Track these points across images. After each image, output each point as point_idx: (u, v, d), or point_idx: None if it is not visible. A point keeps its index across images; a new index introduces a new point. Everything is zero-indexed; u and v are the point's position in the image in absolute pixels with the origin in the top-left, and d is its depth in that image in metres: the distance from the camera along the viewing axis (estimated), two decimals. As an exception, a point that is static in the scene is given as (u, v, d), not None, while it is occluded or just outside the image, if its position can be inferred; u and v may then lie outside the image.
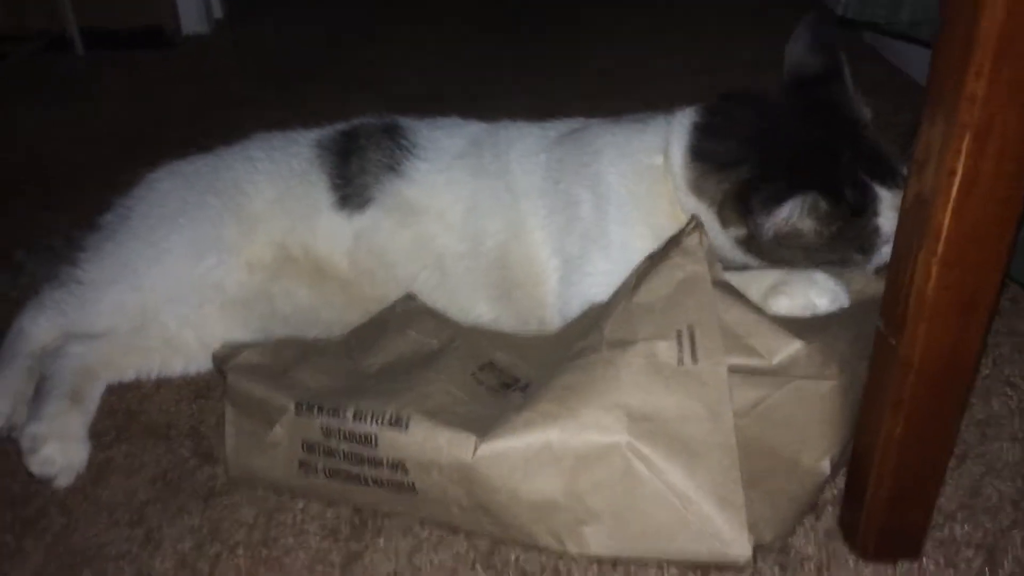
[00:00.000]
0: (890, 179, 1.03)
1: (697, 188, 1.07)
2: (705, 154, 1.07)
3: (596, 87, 2.18)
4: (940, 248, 0.77)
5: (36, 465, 1.07)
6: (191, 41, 2.69)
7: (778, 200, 0.98)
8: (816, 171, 1.01)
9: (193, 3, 2.70)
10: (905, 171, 1.02)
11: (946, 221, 0.75)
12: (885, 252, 1.04)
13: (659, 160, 1.11)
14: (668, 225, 1.06)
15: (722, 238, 1.07)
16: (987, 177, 0.73)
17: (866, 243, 1.04)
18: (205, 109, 2.18)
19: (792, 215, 1.00)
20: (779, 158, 1.02)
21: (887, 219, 1.02)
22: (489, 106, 1.31)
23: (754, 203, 0.99)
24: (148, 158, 1.34)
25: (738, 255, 1.08)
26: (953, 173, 0.73)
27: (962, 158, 0.72)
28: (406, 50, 2.58)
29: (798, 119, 1.06)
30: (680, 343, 0.91)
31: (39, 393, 1.15)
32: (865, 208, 1.02)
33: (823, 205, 1.00)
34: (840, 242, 1.03)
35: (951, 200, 0.74)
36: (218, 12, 2.83)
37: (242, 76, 2.44)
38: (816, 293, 1.00)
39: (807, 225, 1.02)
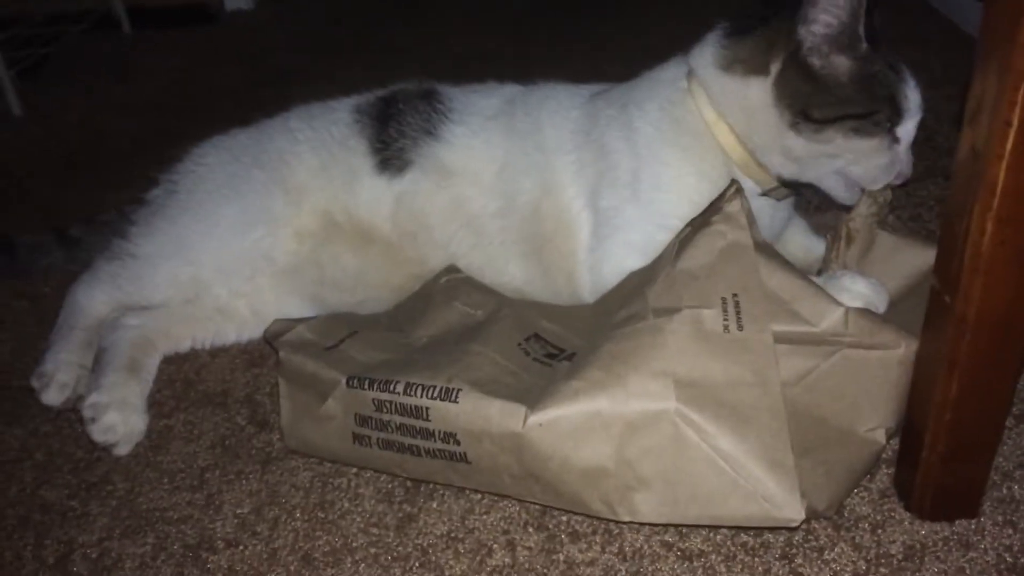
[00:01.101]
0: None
1: (732, 60, 1.08)
2: (740, 29, 1.09)
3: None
4: (995, 203, 0.75)
5: (98, 433, 1.10)
6: (235, 16, 2.71)
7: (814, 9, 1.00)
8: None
9: (235, -22, 2.72)
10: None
11: (1001, 175, 0.74)
12: (907, 131, 1.06)
13: (684, 83, 1.11)
14: (704, 156, 1.09)
15: (758, 108, 1.06)
16: (1044, 128, 0.71)
17: (895, 103, 1.04)
18: (251, 84, 2.20)
19: (827, 22, 1.00)
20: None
21: (913, 95, 1.05)
22: (537, 72, 1.30)
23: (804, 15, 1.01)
24: (197, 133, 1.36)
25: (774, 129, 1.06)
26: (1008, 124, 0.71)
27: (1017, 109, 0.70)
28: (453, 17, 2.57)
29: None
30: (725, 310, 0.90)
31: (98, 364, 1.18)
32: (899, 70, 1.05)
33: (859, 35, 1.01)
34: (871, 89, 1.03)
35: (1006, 153, 0.72)
36: (261, -14, 2.85)
37: (285, 50, 2.45)
38: (849, 298, 0.98)
39: (840, 61, 1.02)
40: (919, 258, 1.10)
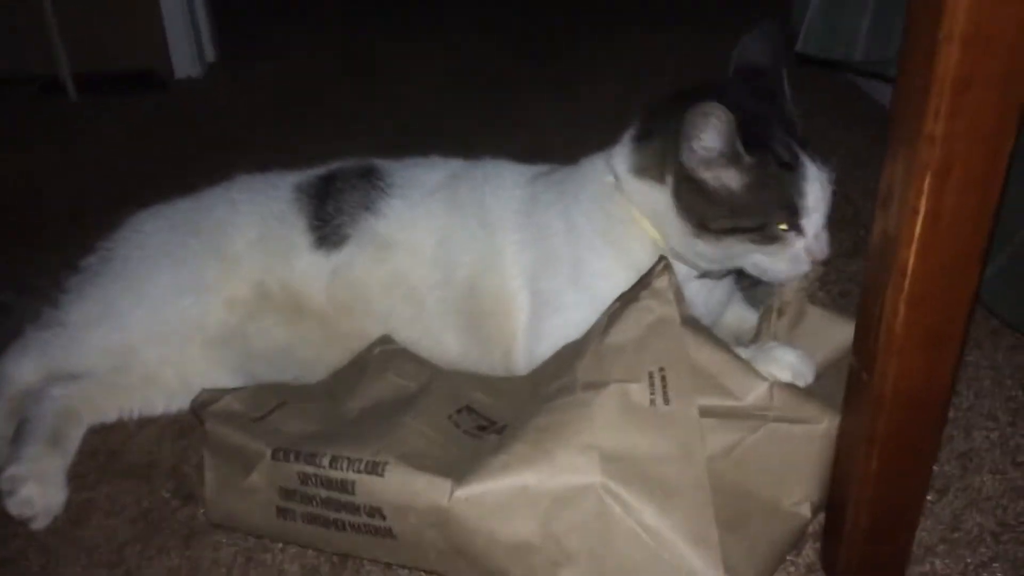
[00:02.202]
0: (820, 161, 1.05)
1: (639, 166, 1.10)
2: (645, 134, 1.11)
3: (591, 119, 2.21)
4: (907, 285, 0.78)
5: (14, 507, 1.07)
6: (184, 84, 2.72)
7: (694, 109, 0.99)
8: (742, 117, 1.01)
9: (186, 46, 2.73)
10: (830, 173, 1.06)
11: (911, 259, 0.76)
12: (794, 251, 1.06)
13: (610, 179, 1.13)
14: (629, 240, 1.11)
15: (665, 211, 1.08)
16: (949, 215, 0.74)
17: (790, 203, 1.03)
18: (197, 152, 2.20)
19: (712, 134, 1.00)
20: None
21: (813, 188, 1.04)
22: (481, 146, 1.32)
23: (678, 123, 1.01)
24: (140, 200, 1.35)
25: (683, 231, 1.08)
26: (916, 212, 0.74)
27: (924, 197, 0.73)
28: (401, 87, 2.61)
29: (734, 92, 1.07)
30: (652, 384, 0.91)
31: (19, 435, 1.15)
32: (793, 166, 1.03)
33: (742, 154, 1.01)
34: (765, 197, 1.03)
35: (915, 238, 0.75)
36: (211, 55, 2.86)
37: (233, 119, 2.46)
38: (778, 369, 1.00)
39: (730, 175, 1.03)
40: (846, 333, 1.12)
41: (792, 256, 1.07)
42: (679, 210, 1.07)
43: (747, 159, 1.02)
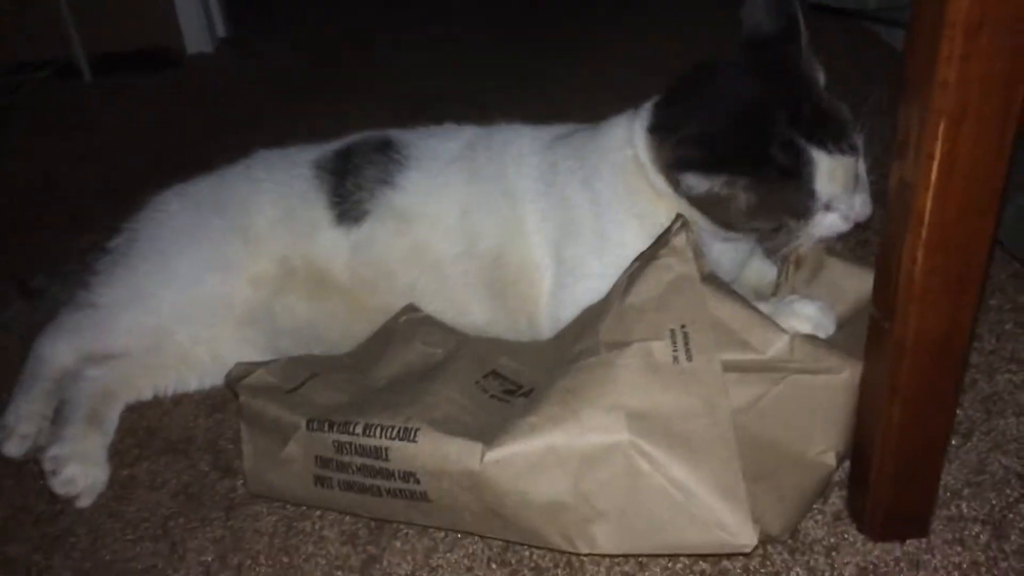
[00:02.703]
0: (832, 143, 1.02)
1: (654, 159, 1.09)
2: (658, 126, 1.09)
3: (608, 87, 2.20)
4: (924, 232, 0.78)
5: (59, 486, 1.10)
6: (196, 61, 2.73)
7: (681, 168, 1.00)
8: (739, 136, 1.01)
9: (196, 23, 2.73)
10: (855, 139, 1.04)
11: (928, 205, 0.77)
12: (828, 220, 1.05)
13: (630, 150, 1.13)
14: (654, 212, 1.10)
15: (686, 205, 1.08)
16: (965, 160, 0.74)
17: (800, 207, 1.04)
18: (213, 129, 2.21)
19: (702, 189, 1.01)
20: (710, 121, 1.03)
21: (823, 184, 1.02)
22: (496, 110, 1.32)
23: (672, 165, 1.02)
24: (159, 180, 1.37)
25: (706, 221, 1.09)
26: (931, 157, 0.75)
27: (939, 143, 0.74)
28: (412, 57, 2.60)
29: (743, 81, 1.06)
30: (674, 342, 0.92)
31: (59, 415, 1.18)
32: (795, 170, 1.02)
33: (736, 178, 1.01)
34: (772, 206, 1.04)
35: (931, 184, 0.76)
36: (222, 31, 2.86)
37: (247, 94, 2.46)
38: (799, 322, 1.01)
39: (733, 193, 1.03)
40: (866, 283, 1.13)
41: (826, 226, 1.06)
42: (697, 209, 1.07)
43: (743, 180, 1.02)
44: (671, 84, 1.13)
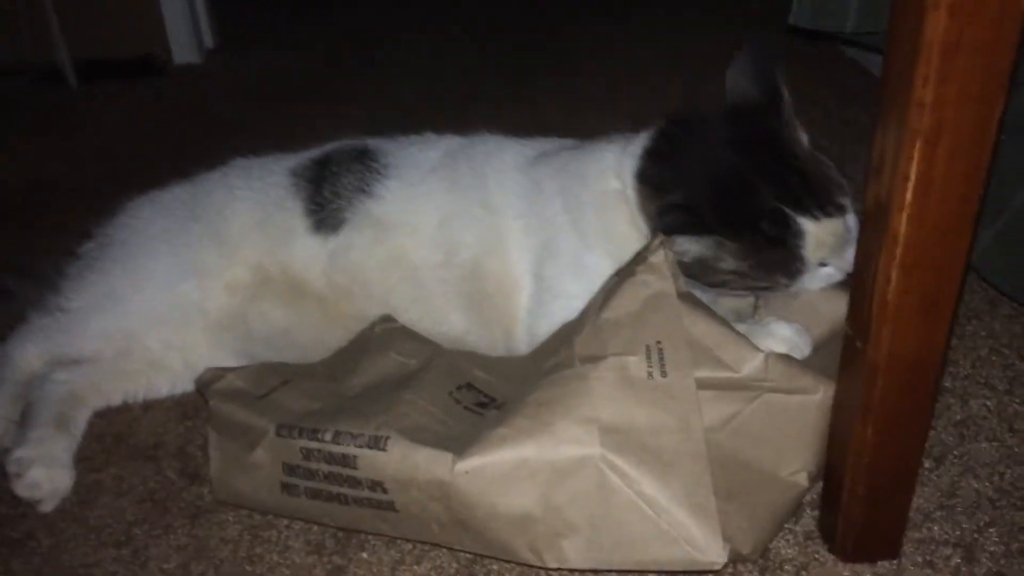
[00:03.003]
0: (817, 209, 1.03)
1: (641, 209, 1.10)
2: (648, 178, 1.10)
3: (596, 95, 2.22)
4: (899, 252, 0.78)
5: (22, 489, 1.08)
6: (183, 70, 2.72)
7: (671, 232, 1.00)
8: (728, 203, 1.03)
9: (184, 33, 2.72)
10: (842, 200, 1.05)
11: (903, 226, 0.77)
12: (821, 274, 1.07)
13: (617, 184, 1.13)
14: (630, 249, 1.07)
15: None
16: (940, 181, 0.75)
17: (790, 270, 1.05)
18: (196, 137, 2.20)
19: (694, 253, 1.03)
20: (699, 189, 1.04)
21: (811, 250, 1.04)
22: (483, 119, 1.32)
23: (662, 229, 1.01)
24: (139, 186, 1.36)
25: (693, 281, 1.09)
26: (907, 178, 0.75)
27: (915, 163, 0.74)
28: (400, 69, 2.61)
29: (728, 152, 1.07)
30: (649, 357, 0.92)
31: (26, 418, 1.17)
32: (783, 238, 1.03)
33: (726, 244, 1.02)
34: (763, 270, 1.05)
35: (907, 205, 0.76)
36: (209, 42, 2.86)
37: (232, 104, 2.46)
38: (775, 343, 1.01)
39: (723, 259, 1.04)
40: (842, 306, 1.13)
41: (820, 278, 1.08)
42: (684, 273, 1.06)
43: (732, 245, 1.03)
44: (661, 131, 1.13)
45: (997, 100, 0.71)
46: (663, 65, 2.38)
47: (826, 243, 1.04)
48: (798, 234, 1.03)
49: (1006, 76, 0.70)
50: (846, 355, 0.90)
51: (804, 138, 1.10)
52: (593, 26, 2.83)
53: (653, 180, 1.09)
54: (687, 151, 1.09)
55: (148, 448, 1.20)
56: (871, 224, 0.82)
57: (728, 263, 1.05)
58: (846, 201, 1.06)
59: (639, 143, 1.14)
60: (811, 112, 1.09)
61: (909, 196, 0.76)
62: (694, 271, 1.05)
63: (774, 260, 1.04)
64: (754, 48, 1.10)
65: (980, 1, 0.67)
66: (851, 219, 1.06)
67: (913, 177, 0.75)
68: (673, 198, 1.04)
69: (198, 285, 1.23)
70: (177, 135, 2.26)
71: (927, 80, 0.70)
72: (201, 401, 1.22)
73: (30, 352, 1.24)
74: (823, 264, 1.06)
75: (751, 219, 1.03)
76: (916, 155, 0.74)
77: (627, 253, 1.07)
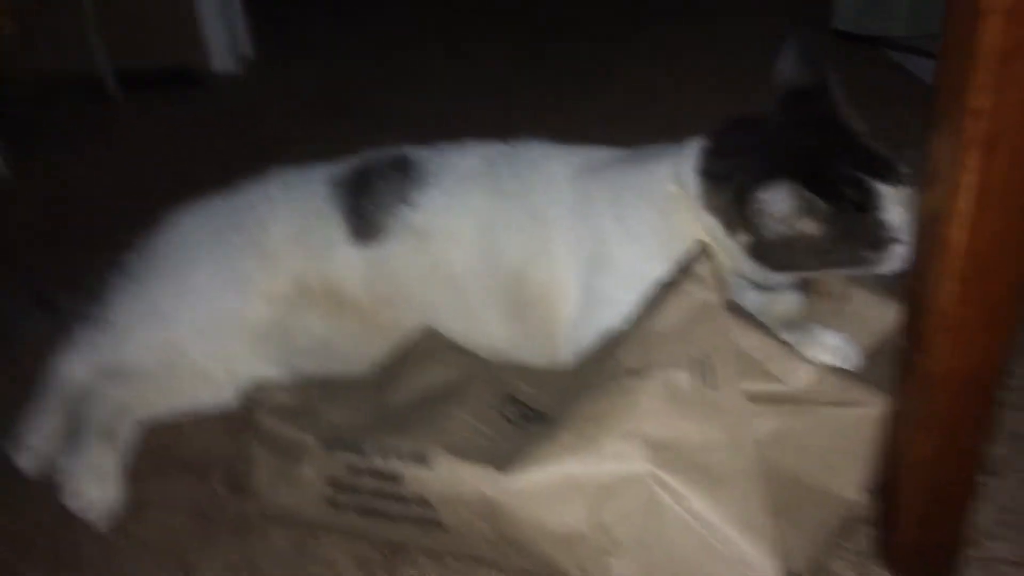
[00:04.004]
0: (890, 176, 1.02)
1: (709, 205, 1.08)
2: (711, 172, 1.09)
3: (623, 109, 2.20)
4: (957, 263, 0.76)
5: (71, 501, 1.10)
6: (221, 80, 2.75)
7: (762, 192, 0.98)
8: (807, 169, 1.01)
9: (222, 43, 2.75)
10: (905, 169, 1.03)
11: (961, 236, 0.75)
12: (897, 251, 1.03)
13: (674, 188, 1.11)
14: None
15: (737, 252, 1.07)
16: (999, 190, 0.73)
17: (874, 239, 1.02)
18: (235, 148, 2.22)
19: (783, 208, 1.00)
20: (773, 164, 1.03)
21: (892, 213, 1.01)
22: (524, 128, 1.31)
23: (747, 199, 1.00)
24: (181, 198, 1.36)
25: (755, 269, 1.08)
26: (964, 188, 0.73)
27: (972, 172, 0.72)
28: (438, 79, 2.61)
29: (792, 131, 1.07)
30: (697, 371, 0.90)
31: (74, 432, 1.18)
32: (867, 203, 1.01)
33: (817, 201, 0.99)
34: (847, 240, 1.02)
35: (964, 214, 0.74)
36: (248, 52, 2.88)
37: (271, 113, 2.47)
38: (825, 353, 0.99)
39: (808, 225, 1.01)
40: (890, 314, 1.11)
41: (898, 257, 1.04)
42: (758, 258, 1.05)
43: (824, 209, 1.00)
44: (718, 130, 1.12)
45: (1060, 107, 0.69)
46: (701, 76, 2.36)
47: (903, 211, 1.02)
48: (880, 200, 1.01)
49: (1068, 81, 0.68)
50: (902, 368, 0.88)
51: (859, 121, 1.08)
52: (630, 38, 2.80)
53: (716, 173, 1.08)
54: (748, 142, 1.08)
55: (195, 462, 1.21)
56: (927, 235, 0.80)
57: (813, 228, 1.01)
58: (906, 172, 1.05)
59: (695, 146, 1.12)
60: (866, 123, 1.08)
61: (967, 206, 0.73)
62: (770, 246, 1.03)
63: (859, 229, 1.02)
64: (799, 39, 1.10)
65: (1041, 6, 0.65)
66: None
67: (971, 186, 0.72)
68: (739, 180, 1.03)
69: (239, 296, 1.24)
70: (216, 147, 2.28)
71: (984, 87, 0.68)
72: (246, 415, 1.23)
73: (76, 365, 1.26)
74: (897, 241, 1.03)
75: (833, 185, 1.00)
76: (974, 164, 0.72)
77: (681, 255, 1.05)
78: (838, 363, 1.00)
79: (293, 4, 3.53)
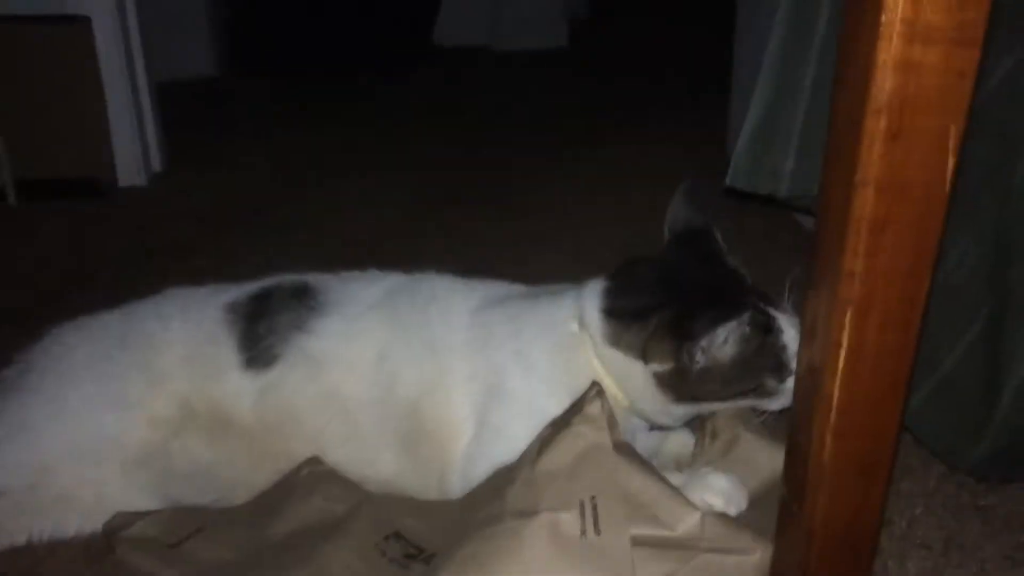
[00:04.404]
0: (780, 306, 1.10)
1: (617, 342, 1.11)
2: (619, 312, 1.12)
3: (543, 236, 2.25)
4: (832, 416, 0.78)
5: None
6: (127, 192, 2.71)
7: (714, 324, 1.03)
8: (729, 301, 1.07)
9: (132, 156, 2.72)
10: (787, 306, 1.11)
11: (836, 392, 0.77)
12: (790, 385, 1.07)
13: (575, 327, 1.14)
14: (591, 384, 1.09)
15: (640, 386, 1.10)
16: (872, 348, 0.76)
17: (777, 361, 1.08)
18: (134, 258, 2.17)
19: (728, 338, 1.05)
20: (691, 297, 1.09)
21: (790, 339, 1.08)
22: (421, 254, 1.33)
23: (694, 331, 1.04)
24: (75, 310, 1.31)
25: (656, 403, 1.11)
26: (839, 345, 0.76)
27: (846, 331, 0.75)
28: (348, 197, 2.64)
29: (689, 266, 1.14)
30: (583, 514, 0.90)
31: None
32: (772, 326, 1.08)
33: (746, 328, 1.05)
34: (756, 364, 1.07)
35: (839, 371, 0.77)
36: (157, 165, 2.86)
37: (175, 225, 2.45)
38: (711, 495, 1.01)
39: (729, 351, 1.06)
40: (779, 459, 1.13)
41: (782, 398, 1.10)
42: (662, 387, 1.09)
43: (745, 352, 1.06)
44: (616, 271, 1.17)
45: (925, 275, 0.73)
46: (610, 212, 2.45)
47: (797, 334, 1.06)
48: (779, 327, 1.08)
49: (933, 252, 0.73)
50: (782, 517, 0.89)
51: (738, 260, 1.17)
52: (539, 169, 2.91)
53: (625, 312, 1.11)
54: (648, 279, 1.14)
55: (50, 594, 1.12)
56: (804, 388, 0.82)
57: (725, 356, 1.06)
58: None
59: (594, 286, 1.16)
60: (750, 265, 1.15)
61: (841, 362, 0.76)
62: (685, 376, 1.07)
63: (766, 349, 1.07)
64: (690, 184, 1.19)
65: (907, 181, 0.70)
66: None
67: (845, 344, 0.76)
68: (663, 315, 1.07)
69: (119, 418, 1.18)
70: (116, 258, 2.23)
71: (857, 252, 0.72)
72: (110, 545, 1.16)
73: (-64, 481, 1.17)
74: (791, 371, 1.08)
75: (741, 310, 1.05)
76: (848, 323, 0.75)
77: (579, 391, 1.06)
78: (725, 506, 1.01)
79: (206, 117, 3.56)
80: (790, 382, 1.07)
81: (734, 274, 1.15)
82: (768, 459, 1.13)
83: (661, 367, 1.08)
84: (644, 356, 1.09)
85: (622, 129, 3.23)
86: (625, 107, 3.58)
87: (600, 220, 2.35)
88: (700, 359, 1.05)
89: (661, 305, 1.09)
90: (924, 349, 0.81)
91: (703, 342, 1.04)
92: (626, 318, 1.11)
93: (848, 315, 0.74)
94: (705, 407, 1.14)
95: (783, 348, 1.08)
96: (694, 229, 1.17)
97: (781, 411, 1.12)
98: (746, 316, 1.04)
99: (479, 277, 1.30)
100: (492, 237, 2.27)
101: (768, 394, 1.10)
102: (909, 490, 1.27)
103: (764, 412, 1.15)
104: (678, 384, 1.08)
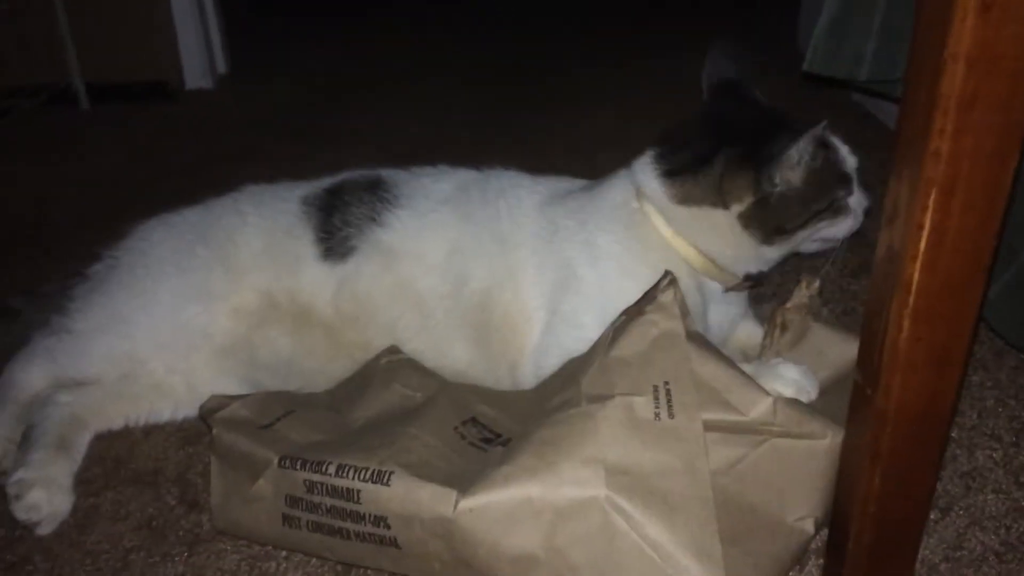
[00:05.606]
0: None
1: (687, 198, 1.13)
2: (680, 168, 1.14)
3: (592, 140, 2.22)
4: (912, 301, 0.78)
5: (21, 511, 1.07)
6: (194, 96, 2.74)
7: (785, 146, 1.06)
8: (787, 127, 1.10)
9: (197, 59, 2.76)
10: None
11: (916, 274, 0.77)
12: (854, 201, 1.14)
13: (635, 204, 1.15)
14: (663, 256, 1.13)
15: (727, 231, 1.12)
16: (954, 231, 0.75)
17: (841, 172, 1.12)
18: (204, 162, 2.21)
19: (800, 158, 1.07)
20: (746, 134, 1.12)
21: (844, 150, 1.14)
22: (485, 158, 1.33)
23: (769, 155, 1.07)
24: (148, 210, 1.36)
25: (739, 249, 1.14)
26: (921, 227, 0.75)
27: (929, 213, 0.74)
28: (406, 105, 2.63)
29: (733, 111, 1.18)
30: (656, 398, 0.92)
31: (27, 440, 1.16)
32: (828, 142, 1.12)
33: (811, 145, 1.08)
34: (826, 179, 1.11)
35: (920, 253, 0.76)
36: (222, 67, 2.89)
37: (243, 130, 2.47)
38: (782, 385, 1.03)
39: (802, 170, 1.09)
40: (849, 350, 1.13)
41: (851, 220, 1.14)
42: (748, 226, 1.11)
43: (815, 167, 1.09)
44: (660, 138, 1.18)
45: (1012, 155, 0.71)
46: (669, 107, 2.40)
47: (849, 157, 1.14)
48: (832, 143, 1.13)
49: (1021, 131, 0.71)
50: (855, 402, 0.89)
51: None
52: (597, 68, 2.85)
53: (685, 167, 1.14)
54: (696, 134, 1.16)
55: (148, 473, 1.19)
56: (883, 272, 0.82)
57: (797, 176, 1.09)
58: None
59: (643, 160, 1.18)
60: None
61: (923, 245, 0.75)
62: (764, 206, 1.10)
63: (830, 167, 1.12)
64: (721, 44, 1.22)
65: (998, 55, 0.67)
66: None
67: (927, 226, 0.74)
68: (730, 153, 1.10)
69: (204, 310, 1.23)
70: (186, 159, 2.27)
71: (943, 131, 0.70)
72: (203, 427, 1.21)
73: (34, 373, 1.24)
74: (850, 194, 1.13)
75: (802, 130, 1.06)
76: (931, 205, 0.74)
77: (653, 265, 1.09)
78: (796, 395, 1.02)
79: (272, 21, 3.55)
80: (854, 199, 1.13)
81: (775, 110, 1.17)
82: (838, 351, 1.13)
83: (741, 205, 1.10)
84: (723, 198, 1.11)
85: (686, 33, 3.14)
86: (687, 11, 3.47)
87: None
88: (779, 182, 1.08)
89: (720, 147, 1.11)
90: (1003, 240, 0.79)
91: (779, 163, 1.06)
92: (689, 171, 1.13)
93: (932, 196, 0.73)
94: (791, 242, 1.14)
95: (843, 160, 1.12)
96: (729, 80, 1.19)
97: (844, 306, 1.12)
98: (810, 133, 1.05)
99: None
100: (553, 141, 2.25)
101: (841, 211, 1.12)
102: (980, 382, 1.27)
103: (833, 260, 1.20)
104: (762, 218, 1.10)
